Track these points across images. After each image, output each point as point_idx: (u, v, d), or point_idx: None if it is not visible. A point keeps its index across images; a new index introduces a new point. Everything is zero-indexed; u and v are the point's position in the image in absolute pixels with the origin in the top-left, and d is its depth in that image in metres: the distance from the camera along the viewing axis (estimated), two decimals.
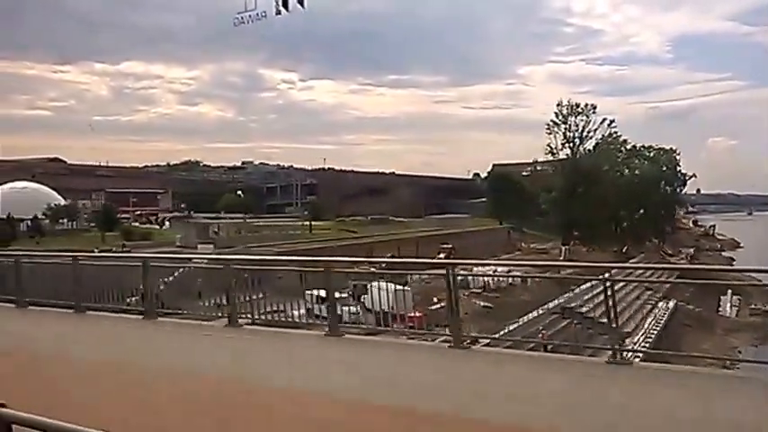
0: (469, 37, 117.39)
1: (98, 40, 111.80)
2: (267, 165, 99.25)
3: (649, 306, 42.76)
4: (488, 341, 11.08)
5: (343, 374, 7.35)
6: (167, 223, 71.04)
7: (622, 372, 7.04)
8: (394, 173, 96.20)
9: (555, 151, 71.79)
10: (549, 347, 18.04)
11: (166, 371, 7.50)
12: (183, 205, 75.42)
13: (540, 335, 26.17)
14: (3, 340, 9.41)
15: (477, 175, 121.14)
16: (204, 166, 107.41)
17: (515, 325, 28.96)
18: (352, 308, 27.34)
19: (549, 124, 72.31)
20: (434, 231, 65.15)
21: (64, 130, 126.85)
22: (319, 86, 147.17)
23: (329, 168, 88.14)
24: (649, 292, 45.46)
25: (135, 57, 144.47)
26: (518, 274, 28.26)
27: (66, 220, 60.01)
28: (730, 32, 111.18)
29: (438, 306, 32.71)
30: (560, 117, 71.24)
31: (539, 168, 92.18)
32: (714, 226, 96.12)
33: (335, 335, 9.03)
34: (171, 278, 33.25)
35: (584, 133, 69.79)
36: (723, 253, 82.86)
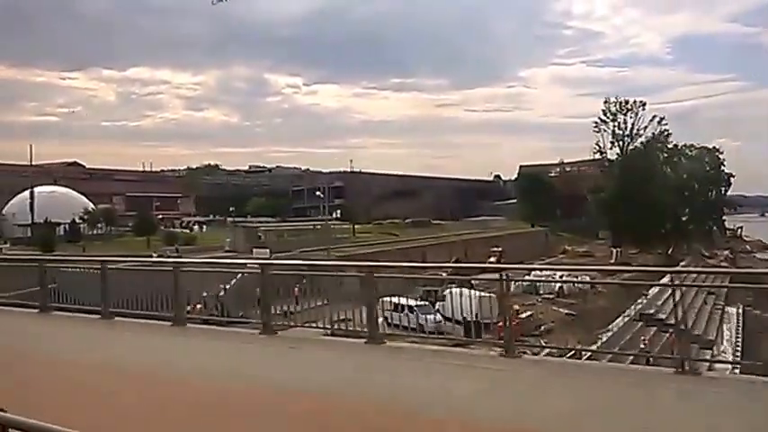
0: (472, 40, 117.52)
1: (106, 46, 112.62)
2: (287, 168, 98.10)
3: (719, 311, 41.18)
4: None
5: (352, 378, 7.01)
6: (197, 227, 69.63)
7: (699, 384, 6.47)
8: (417, 175, 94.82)
9: (603, 150, 69.77)
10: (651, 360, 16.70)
11: (180, 378, 7.25)
12: (231, 209, 73.79)
13: (643, 345, 24.68)
14: (22, 345, 9.13)
15: (498, 177, 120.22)
16: (222, 169, 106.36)
17: (608, 334, 27.39)
18: (432, 316, 25.86)
19: (596, 122, 70.33)
20: (477, 234, 63.67)
21: (72, 136, 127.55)
22: (324, 91, 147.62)
23: (349, 171, 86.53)
24: (712, 297, 43.89)
25: (142, 63, 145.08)
26: (588, 279, 26.93)
27: (104, 225, 58.69)
28: (732, 33, 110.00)
29: (526, 314, 31.44)
30: (608, 114, 69.28)
31: (567, 169, 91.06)
32: (741, 227, 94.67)
33: (376, 342, 8.42)
34: (231, 284, 31.88)
35: (634, 131, 67.71)
36: (755, 255, 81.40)
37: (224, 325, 11.49)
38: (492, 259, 48.25)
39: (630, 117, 68.45)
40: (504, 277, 8.25)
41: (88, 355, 8.67)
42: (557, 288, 33.28)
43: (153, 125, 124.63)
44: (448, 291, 25.44)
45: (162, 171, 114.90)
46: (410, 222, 70.17)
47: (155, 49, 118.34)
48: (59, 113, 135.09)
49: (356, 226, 67.88)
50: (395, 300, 22.48)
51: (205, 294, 29.85)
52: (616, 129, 68.72)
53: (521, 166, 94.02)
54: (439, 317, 25.71)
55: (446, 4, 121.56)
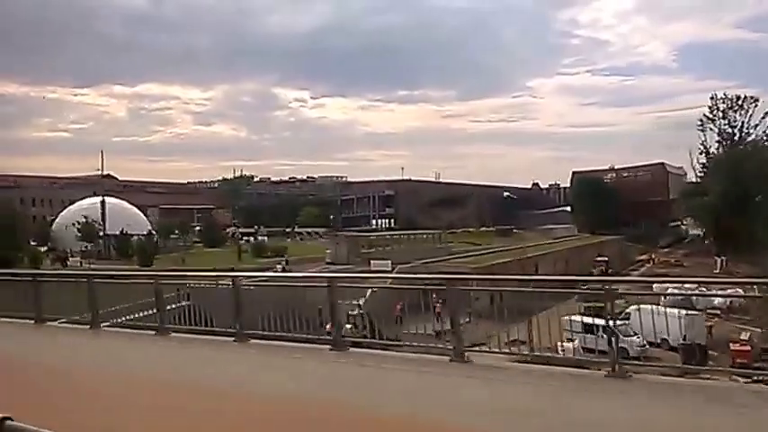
0: (478, 51, 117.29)
1: (117, 63, 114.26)
2: (330, 177, 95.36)
3: None
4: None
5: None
6: (251, 239, 66.43)
7: None
8: (461, 182, 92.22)
9: (708, 149, 65.26)
10: None
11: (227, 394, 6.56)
12: (332, 216, 70.33)
13: None
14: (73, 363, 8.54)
15: (536, 184, 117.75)
16: (261, 180, 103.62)
17: None
18: (634, 338, 22.46)
19: (701, 120, 65.78)
20: (567, 244, 60.58)
21: (83, 151, 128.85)
22: (331, 104, 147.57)
23: (398, 179, 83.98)
24: None
25: (152, 79, 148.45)
26: (740, 291, 23.81)
27: (179, 236, 55.56)
28: (738, 40, 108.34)
29: (746, 337, 28.08)
30: (716, 112, 64.86)
31: (625, 175, 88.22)
32: None
33: (460, 360, 7.54)
34: (365, 301, 28.69)
35: (744, 129, 63.16)
36: None
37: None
38: (597, 270, 45.46)
39: (741, 115, 63.77)
40: (610, 290, 7.24)
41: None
42: (719, 302, 30.07)
43: (163, 140, 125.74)
44: (634, 307, 22.28)
45: (191, 183, 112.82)
46: (494, 231, 67.13)
47: (165, 65, 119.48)
48: (71, 129, 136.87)
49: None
50: (576, 318, 19.16)
51: (354, 312, 26.59)
52: (726, 127, 64.09)
53: (573, 173, 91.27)
54: (642, 339, 22.47)
55: (452, 16, 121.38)
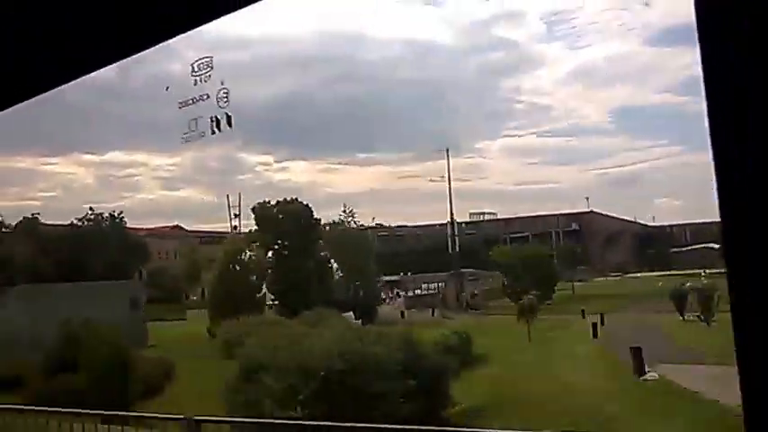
0: (430, 117, 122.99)
1: (86, 132, 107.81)
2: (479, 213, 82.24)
3: None
4: None
5: None
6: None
7: None
8: (614, 216, 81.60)
9: None
10: None
11: None
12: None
13: None
14: None
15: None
16: (363, 226, 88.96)
17: None
18: None
19: None
20: None
21: (53, 218, 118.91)
22: (293, 167, 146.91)
23: (584, 212, 72.32)
24: None
25: (120, 147, 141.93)
26: None
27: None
28: (664, 103, 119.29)
29: None
30: None
31: None
32: None
33: None
34: None
35: None
36: None
37: None
38: None
39: None
40: None
41: None
42: None
43: (131, 205, 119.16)
44: None
45: None
46: None
47: (131, 133, 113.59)
48: (39, 197, 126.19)
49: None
50: None
51: None
52: None
53: None
54: None
55: (405, 86, 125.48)
